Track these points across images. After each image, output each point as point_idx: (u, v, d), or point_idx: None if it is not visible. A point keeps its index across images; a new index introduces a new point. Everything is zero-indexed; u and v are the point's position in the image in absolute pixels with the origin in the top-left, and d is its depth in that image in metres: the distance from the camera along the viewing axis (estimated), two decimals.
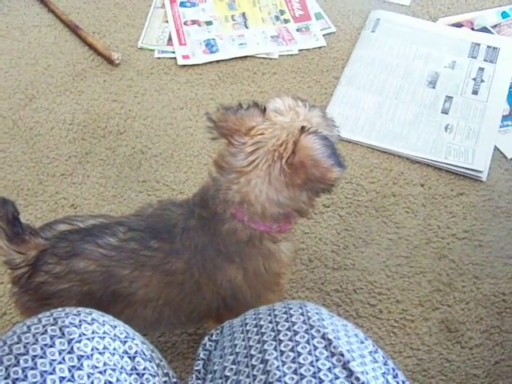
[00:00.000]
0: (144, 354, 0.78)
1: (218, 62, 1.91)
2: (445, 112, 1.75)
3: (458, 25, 1.96)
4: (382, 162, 1.67)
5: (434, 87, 1.81)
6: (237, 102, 1.06)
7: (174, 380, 0.82)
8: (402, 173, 1.65)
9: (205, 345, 0.85)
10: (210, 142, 1.66)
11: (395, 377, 0.77)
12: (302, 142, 0.96)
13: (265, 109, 1.02)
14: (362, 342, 0.79)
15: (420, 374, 1.35)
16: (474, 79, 1.81)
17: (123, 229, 1.10)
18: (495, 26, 1.95)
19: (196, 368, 0.82)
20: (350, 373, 0.72)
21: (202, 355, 0.84)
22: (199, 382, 0.80)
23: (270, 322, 0.79)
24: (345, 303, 1.45)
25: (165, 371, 0.80)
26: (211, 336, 0.85)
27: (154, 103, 1.82)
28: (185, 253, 1.09)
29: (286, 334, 0.76)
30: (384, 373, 0.76)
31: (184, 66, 1.91)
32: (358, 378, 0.71)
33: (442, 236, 1.55)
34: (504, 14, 1.97)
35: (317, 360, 0.73)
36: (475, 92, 1.79)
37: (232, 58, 1.92)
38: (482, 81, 1.81)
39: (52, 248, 1.09)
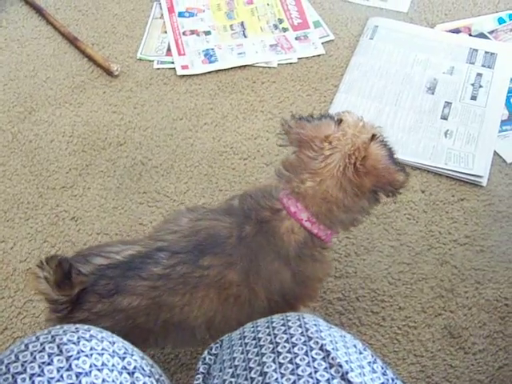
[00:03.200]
0: (143, 369, 0.78)
1: (217, 71, 1.91)
2: (444, 118, 1.75)
3: (456, 31, 1.97)
4: None
5: (433, 93, 1.81)
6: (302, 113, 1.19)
7: None
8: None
9: (204, 358, 0.84)
10: (211, 151, 1.69)
11: None
12: (372, 148, 1.08)
13: (341, 121, 1.12)
14: (361, 353, 0.79)
15: (424, 380, 1.35)
16: (473, 85, 1.82)
17: (165, 254, 1.10)
18: (492, 31, 1.95)
19: (196, 382, 0.82)
20: (349, 383, 0.72)
21: (201, 369, 0.84)
22: None
23: (269, 335, 0.79)
24: (348, 311, 1.45)
25: None
26: (210, 350, 0.85)
27: (153, 114, 1.82)
28: (240, 263, 1.10)
29: (285, 346, 0.76)
30: (383, 383, 0.76)
31: (183, 76, 1.91)
32: None
33: (443, 242, 1.55)
34: (500, 20, 1.98)
35: (315, 371, 0.73)
36: (474, 97, 1.79)
37: (231, 68, 1.92)
38: (481, 86, 1.81)
39: (92, 286, 1.07)
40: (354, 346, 0.80)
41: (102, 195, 1.66)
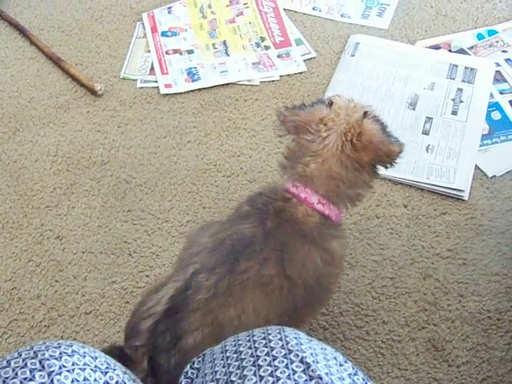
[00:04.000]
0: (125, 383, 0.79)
1: (200, 90, 1.93)
2: (425, 133, 1.77)
3: (436, 47, 1.99)
4: None
5: (414, 109, 1.83)
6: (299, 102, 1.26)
7: None
8: (385, 194, 1.67)
9: (187, 372, 0.85)
10: (195, 169, 1.70)
11: None
12: (365, 124, 1.16)
13: (331, 103, 1.20)
14: (341, 365, 0.79)
15: None
16: (453, 100, 1.84)
17: (203, 276, 1.10)
18: (471, 47, 1.98)
19: None
20: None
21: (183, 383, 0.84)
22: None
23: (250, 348, 0.79)
24: (331, 326, 1.45)
25: None
26: (193, 364, 0.85)
27: (137, 133, 1.83)
28: (272, 256, 1.13)
29: (265, 359, 0.77)
30: None
31: (166, 94, 1.92)
32: None
33: (426, 256, 1.56)
34: (479, 36, 2.01)
35: None
36: (455, 112, 1.81)
37: (214, 86, 1.93)
38: (461, 101, 1.83)
39: (154, 349, 1.07)
40: (335, 358, 0.80)
41: (87, 214, 1.66)
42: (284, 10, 2.14)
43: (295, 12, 2.15)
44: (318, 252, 1.17)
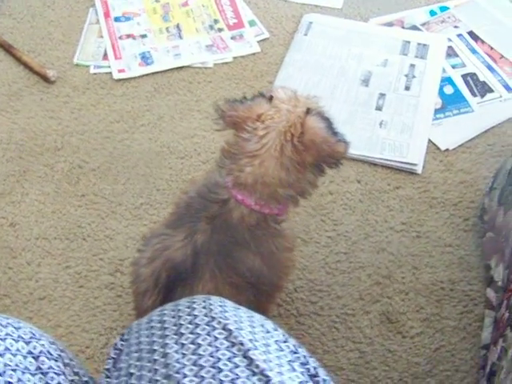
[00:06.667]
0: (50, 353, 0.78)
1: (154, 73, 1.92)
2: (379, 109, 1.77)
3: (389, 24, 2.00)
4: None
5: (367, 85, 1.83)
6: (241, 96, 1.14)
7: (85, 379, 0.81)
8: (339, 171, 1.66)
9: (116, 344, 0.84)
10: (148, 152, 1.69)
11: (305, 364, 0.77)
12: (309, 122, 1.05)
13: (271, 97, 1.09)
14: (268, 332, 0.79)
15: (363, 366, 1.36)
16: (406, 75, 1.84)
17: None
18: (424, 23, 1.99)
19: (106, 367, 0.82)
20: (251, 361, 0.72)
21: (112, 354, 0.83)
22: (108, 380, 0.80)
23: (173, 317, 0.79)
24: (286, 303, 1.45)
25: (75, 370, 0.80)
26: (123, 336, 0.85)
27: (90, 118, 1.82)
28: (206, 272, 1.10)
29: (188, 327, 0.76)
30: (290, 360, 0.76)
31: (120, 79, 1.91)
32: (257, 366, 0.71)
33: (380, 230, 1.57)
34: (432, 12, 2.02)
35: (217, 350, 0.73)
36: (407, 88, 1.82)
37: (168, 70, 1.92)
38: (414, 76, 1.84)
39: None
40: (262, 325, 0.80)
41: (41, 200, 1.65)
42: None
43: None
44: (255, 256, 1.12)
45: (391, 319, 1.42)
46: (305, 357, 0.78)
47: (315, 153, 1.06)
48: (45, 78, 1.91)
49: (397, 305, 1.45)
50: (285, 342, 0.79)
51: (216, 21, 2.03)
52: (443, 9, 2.02)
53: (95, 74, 1.94)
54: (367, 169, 1.68)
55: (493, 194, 1.49)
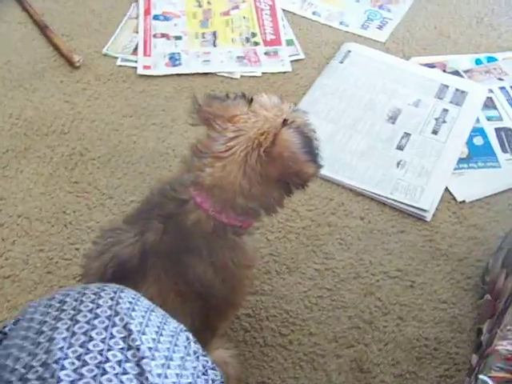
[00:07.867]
0: None
1: (178, 75, 1.87)
2: (400, 148, 1.67)
3: (431, 66, 1.90)
4: (323, 191, 1.59)
5: (393, 123, 1.73)
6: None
7: None
8: (343, 203, 1.57)
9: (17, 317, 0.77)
10: (152, 151, 1.63)
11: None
12: (282, 134, 0.97)
13: (251, 100, 1.03)
14: (177, 346, 0.70)
15: None
16: (436, 119, 1.74)
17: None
18: (467, 71, 1.88)
19: None
20: (142, 371, 0.64)
21: (7, 328, 0.76)
22: None
23: (76, 300, 0.71)
24: (254, 329, 1.35)
25: None
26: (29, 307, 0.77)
27: (104, 108, 1.77)
28: (151, 275, 1.01)
29: (86, 316, 0.69)
30: (191, 383, 0.67)
31: (143, 75, 1.86)
32: (147, 379, 0.63)
33: (372, 272, 1.45)
34: (478, 61, 1.91)
35: (108, 349, 0.65)
36: (435, 132, 1.71)
37: (193, 74, 1.87)
38: (444, 122, 1.73)
39: None
40: (172, 336, 0.71)
41: (33, 180, 1.60)
42: (283, 10, 2.08)
43: (294, 14, 2.08)
44: (207, 265, 1.03)
45: (362, 368, 1.30)
46: (213, 381, 0.69)
47: (280, 168, 0.98)
48: (70, 63, 1.88)
49: (372, 354, 1.33)
50: (196, 360, 0.70)
51: (254, 34, 1.98)
52: (490, 59, 1.91)
53: (120, 66, 1.90)
54: (374, 207, 1.57)
55: (498, 255, 1.37)
